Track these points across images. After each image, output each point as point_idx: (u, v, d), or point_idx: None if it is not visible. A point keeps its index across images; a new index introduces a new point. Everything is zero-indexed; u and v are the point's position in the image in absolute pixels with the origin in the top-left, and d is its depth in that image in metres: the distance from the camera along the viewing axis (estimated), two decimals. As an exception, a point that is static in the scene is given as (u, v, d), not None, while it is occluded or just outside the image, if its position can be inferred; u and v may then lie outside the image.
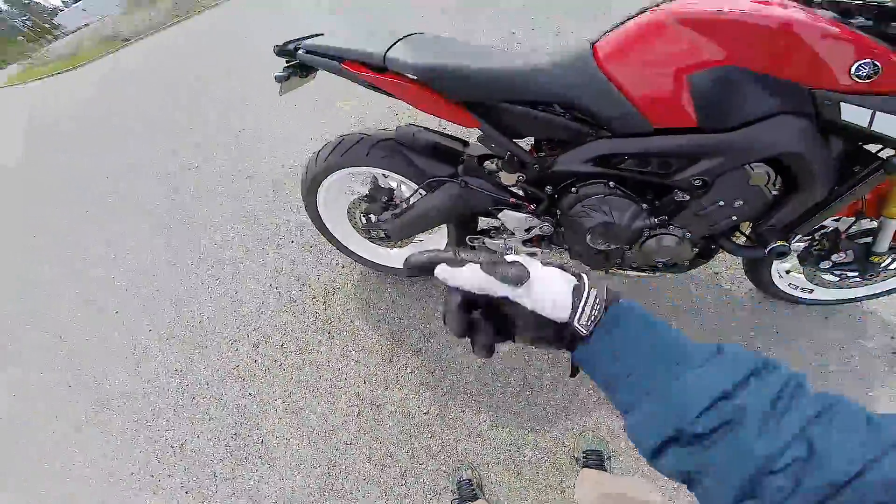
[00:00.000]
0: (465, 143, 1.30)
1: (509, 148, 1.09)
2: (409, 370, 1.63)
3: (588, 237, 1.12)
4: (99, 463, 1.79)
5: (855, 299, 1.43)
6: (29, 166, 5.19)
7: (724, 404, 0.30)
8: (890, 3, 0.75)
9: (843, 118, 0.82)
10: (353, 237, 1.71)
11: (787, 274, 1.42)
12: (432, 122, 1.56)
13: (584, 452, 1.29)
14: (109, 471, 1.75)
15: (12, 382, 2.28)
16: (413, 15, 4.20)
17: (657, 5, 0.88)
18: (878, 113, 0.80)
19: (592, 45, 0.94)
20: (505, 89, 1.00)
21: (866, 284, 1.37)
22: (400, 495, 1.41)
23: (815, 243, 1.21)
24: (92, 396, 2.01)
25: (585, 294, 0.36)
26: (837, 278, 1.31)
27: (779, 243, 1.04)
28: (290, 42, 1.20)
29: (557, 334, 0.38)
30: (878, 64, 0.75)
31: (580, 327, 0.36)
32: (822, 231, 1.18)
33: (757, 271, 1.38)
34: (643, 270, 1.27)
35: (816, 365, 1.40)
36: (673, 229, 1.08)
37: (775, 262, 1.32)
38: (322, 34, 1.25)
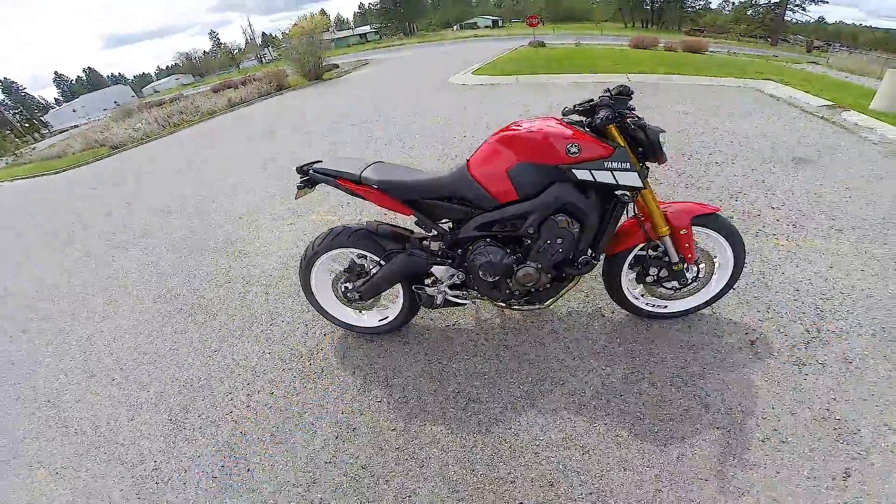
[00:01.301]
0: (411, 231, 2.00)
1: (431, 225, 1.81)
2: (378, 399, 2.00)
3: (480, 273, 1.77)
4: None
5: (700, 307, 2.01)
6: None
7: None
8: (589, 104, 1.57)
9: (578, 177, 1.56)
10: (334, 305, 2.25)
11: (641, 297, 2.05)
12: (388, 218, 2.23)
13: None
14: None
15: None
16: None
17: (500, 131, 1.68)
18: (593, 171, 1.54)
19: (468, 161, 1.70)
20: (424, 191, 1.74)
21: (696, 293, 2.00)
22: (373, 501, 1.63)
23: (635, 268, 1.89)
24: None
25: None
26: (670, 290, 1.94)
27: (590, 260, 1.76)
28: (304, 165, 1.90)
29: None
30: (578, 145, 1.52)
31: None
32: (635, 257, 1.85)
33: (623, 300, 2.01)
34: (532, 303, 1.89)
35: (693, 362, 1.86)
36: (529, 263, 1.73)
37: (629, 290, 1.97)
38: (321, 160, 1.96)
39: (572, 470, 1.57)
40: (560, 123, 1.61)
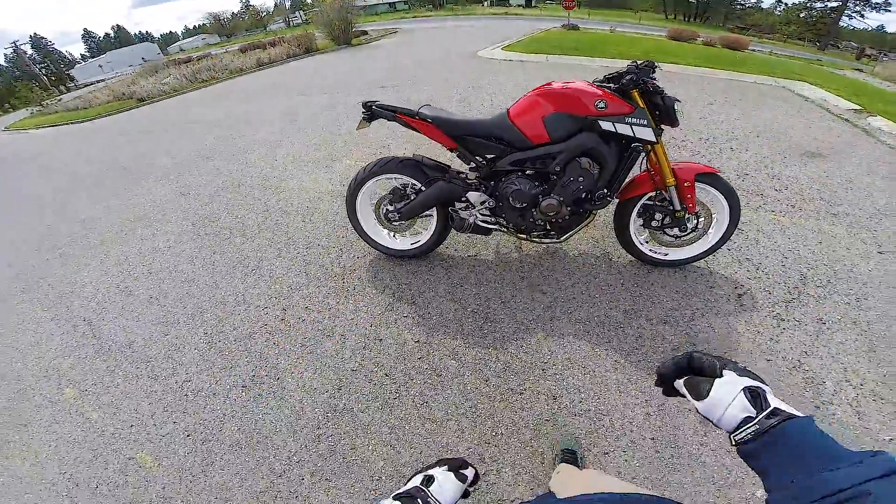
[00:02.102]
0: (449, 167, 2.30)
1: (471, 158, 2.11)
2: (404, 315, 2.32)
3: (510, 199, 2.07)
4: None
5: (697, 257, 2.29)
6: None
7: (857, 489, 0.36)
8: (621, 72, 1.85)
9: (603, 128, 1.87)
10: (373, 227, 2.57)
11: (646, 243, 2.34)
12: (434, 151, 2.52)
13: (561, 450, 1.56)
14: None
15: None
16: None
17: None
18: (616, 123, 1.84)
19: (507, 110, 2.01)
20: (470, 129, 2.05)
21: (695, 242, 2.27)
22: (394, 405, 1.81)
23: (643, 216, 2.18)
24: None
25: (757, 417, 0.47)
26: (672, 237, 2.22)
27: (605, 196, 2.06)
28: (368, 102, 2.20)
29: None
30: (605, 102, 1.81)
31: (732, 439, 0.49)
32: (643, 204, 2.14)
33: (629, 244, 2.30)
34: (550, 237, 2.20)
35: (686, 307, 2.12)
36: (553, 195, 2.03)
37: (636, 235, 2.26)
38: (378, 100, 2.24)
39: (574, 388, 1.82)
40: (591, 85, 1.91)
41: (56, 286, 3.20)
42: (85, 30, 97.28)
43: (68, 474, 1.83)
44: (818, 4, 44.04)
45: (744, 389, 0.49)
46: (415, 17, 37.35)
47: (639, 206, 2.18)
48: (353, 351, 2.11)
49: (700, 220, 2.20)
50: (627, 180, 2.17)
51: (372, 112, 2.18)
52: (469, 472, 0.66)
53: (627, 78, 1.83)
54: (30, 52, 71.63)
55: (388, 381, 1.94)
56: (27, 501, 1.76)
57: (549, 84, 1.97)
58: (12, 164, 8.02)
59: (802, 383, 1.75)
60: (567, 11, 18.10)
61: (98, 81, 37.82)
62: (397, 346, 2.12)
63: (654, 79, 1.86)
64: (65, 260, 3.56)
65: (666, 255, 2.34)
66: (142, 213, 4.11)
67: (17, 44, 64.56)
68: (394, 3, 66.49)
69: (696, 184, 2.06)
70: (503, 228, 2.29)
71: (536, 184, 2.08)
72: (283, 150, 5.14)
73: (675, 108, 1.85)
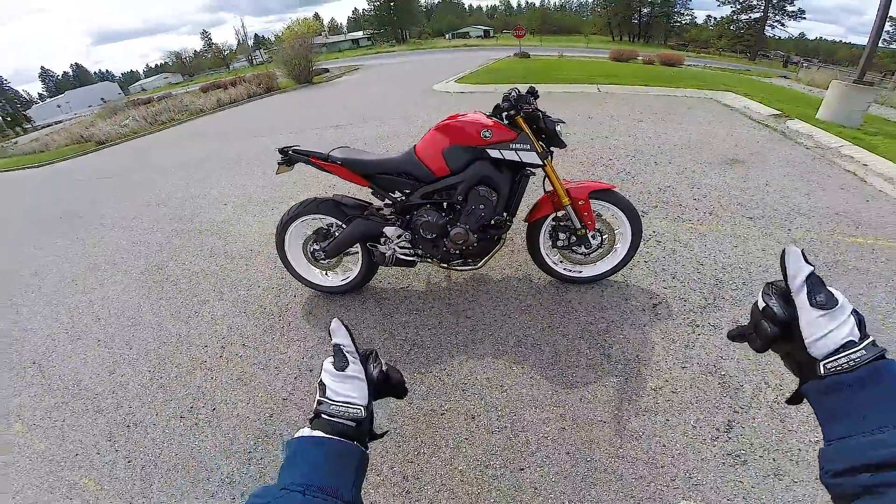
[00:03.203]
0: (369, 203, 2.38)
1: (385, 195, 2.21)
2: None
3: (421, 230, 2.16)
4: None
5: (609, 272, 2.38)
6: None
7: None
8: (504, 101, 1.98)
9: (491, 156, 2.00)
10: (304, 266, 2.60)
11: (559, 262, 2.45)
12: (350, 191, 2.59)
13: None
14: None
15: None
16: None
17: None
18: (501, 150, 1.97)
19: (414, 147, 2.13)
20: (380, 168, 2.15)
21: (605, 257, 2.38)
22: None
23: (551, 235, 2.29)
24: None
25: (856, 345, 0.39)
26: (581, 255, 2.33)
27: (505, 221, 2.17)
28: (285, 147, 2.28)
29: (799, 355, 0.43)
30: (490, 131, 1.94)
31: (822, 367, 0.40)
32: (550, 225, 2.27)
33: (544, 264, 2.41)
34: (468, 264, 2.29)
35: (601, 320, 2.19)
36: (459, 224, 2.12)
37: (548, 255, 2.37)
38: (298, 145, 2.33)
39: (492, 406, 1.86)
40: (483, 115, 2.05)
41: (9, 334, 3.14)
42: (42, 68, 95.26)
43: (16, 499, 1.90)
44: (743, 17, 48.06)
45: (853, 311, 0.42)
46: (378, 52, 38.51)
47: (545, 227, 2.30)
48: (284, 381, 2.17)
49: (604, 236, 2.32)
50: (534, 203, 2.31)
51: (289, 156, 2.27)
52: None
53: (504, 106, 1.96)
54: None
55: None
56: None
57: (447, 118, 2.09)
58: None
59: (720, 389, 1.77)
60: (518, 40, 19.16)
61: (56, 123, 36.88)
62: None
63: (532, 104, 1.99)
64: (17, 309, 3.44)
65: (580, 272, 2.44)
66: (94, 263, 4.01)
67: None
68: (357, 40, 68.36)
69: (595, 201, 2.19)
70: (423, 259, 2.36)
71: (444, 214, 2.19)
72: (234, 193, 5.13)
73: (559, 130, 1.99)
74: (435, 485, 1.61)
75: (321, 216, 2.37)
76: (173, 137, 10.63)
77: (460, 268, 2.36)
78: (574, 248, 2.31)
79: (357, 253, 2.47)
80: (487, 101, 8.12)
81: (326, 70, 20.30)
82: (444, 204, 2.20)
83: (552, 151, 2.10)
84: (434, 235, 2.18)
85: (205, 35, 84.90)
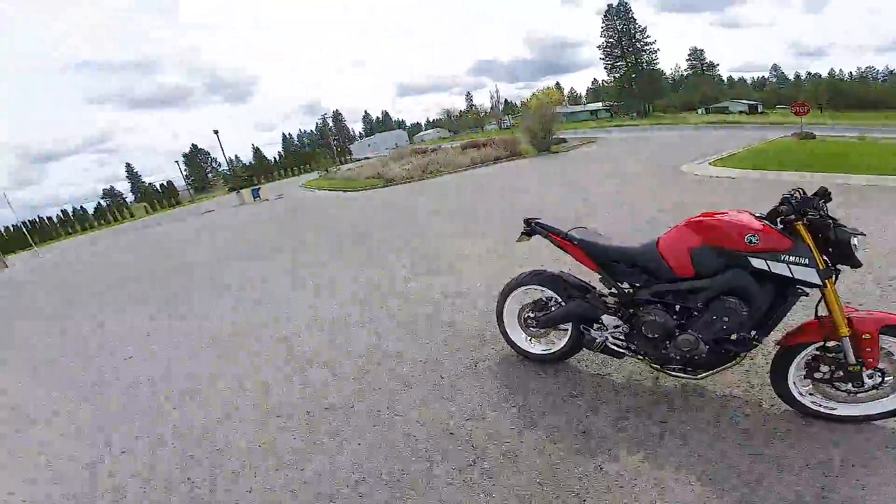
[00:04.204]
0: (593, 287, 2.46)
1: (613, 284, 2.23)
2: (509, 414, 2.37)
3: (643, 328, 2.05)
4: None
5: (880, 416, 1.77)
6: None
7: None
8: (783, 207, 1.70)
9: (754, 265, 1.73)
10: (515, 330, 2.83)
11: (809, 395, 1.92)
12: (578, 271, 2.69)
13: None
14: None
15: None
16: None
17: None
18: (769, 262, 1.68)
19: (657, 239, 2.08)
20: (615, 255, 2.19)
21: (876, 399, 1.78)
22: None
23: (809, 364, 1.84)
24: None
25: None
26: (843, 392, 1.80)
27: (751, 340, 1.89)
28: (530, 219, 2.60)
29: None
30: (758, 236, 1.68)
31: None
32: (811, 354, 1.82)
33: (786, 394, 1.93)
34: (687, 372, 2.05)
35: (853, 480, 1.61)
36: (690, 331, 1.92)
37: (795, 382, 1.90)
38: (541, 218, 2.62)
39: None
40: (750, 215, 1.84)
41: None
42: (365, 111, 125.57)
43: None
44: None
45: None
46: (617, 126, 38.34)
47: (803, 354, 1.83)
48: (481, 451, 2.16)
49: (887, 377, 1.72)
50: (797, 325, 1.90)
51: (532, 228, 2.56)
52: None
53: (782, 209, 1.66)
54: (330, 124, 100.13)
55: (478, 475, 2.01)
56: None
57: (703, 214, 1.95)
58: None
59: None
60: (799, 118, 15.59)
61: (366, 158, 51.90)
62: (489, 438, 2.18)
63: (821, 209, 1.65)
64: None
65: (834, 409, 1.85)
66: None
67: (325, 116, 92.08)
68: (595, 111, 69.93)
69: (887, 337, 1.65)
70: (635, 356, 2.23)
71: (675, 317, 2.01)
72: (470, 250, 5.88)
73: (854, 243, 1.58)
74: None
75: (543, 288, 2.56)
76: (436, 185, 13.47)
77: (676, 374, 2.11)
78: (836, 384, 1.78)
79: (567, 330, 2.55)
80: (755, 190, 7.05)
81: (564, 140, 21.61)
82: (677, 306, 2.03)
83: (839, 270, 1.70)
84: (657, 336, 2.04)
85: (468, 97, 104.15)
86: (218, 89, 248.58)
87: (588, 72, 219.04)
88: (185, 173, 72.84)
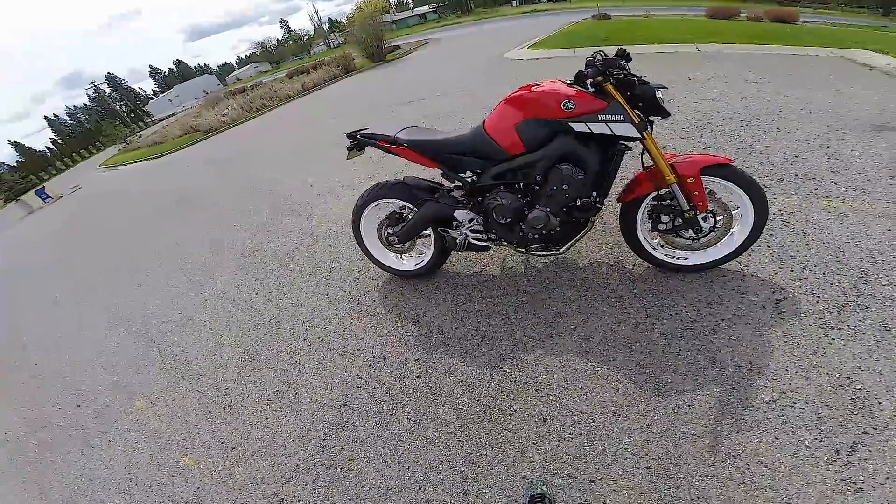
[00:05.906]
0: (440, 185, 2.28)
1: (454, 177, 2.08)
2: (408, 334, 2.31)
3: (494, 215, 2.00)
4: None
5: (722, 260, 2.04)
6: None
7: None
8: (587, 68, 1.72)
9: (575, 129, 1.75)
10: (379, 250, 2.61)
11: (661, 248, 2.14)
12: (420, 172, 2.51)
13: (529, 496, 1.35)
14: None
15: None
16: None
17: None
18: (588, 123, 1.71)
19: (483, 122, 1.95)
20: (447, 148, 2.02)
21: (718, 243, 2.03)
22: (390, 422, 1.88)
23: (651, 216, 2.00)
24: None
25: None
26: (688, 240, 2.01)
27: (594, 203, 1.93)
28: (354, 132, 2.25)
29: None
30: (573, 101, 1.70)
31: None
32: (649, 205, 1.98)
33: (641, 250, 2.11)
34: (548, 249, 2.08)
35: (708, 317, 1.88)
36: (539, 207, 1.93)
37: (646, 239, 2.08)
38: (367, 128, 2.29)
39: (567, 409, 1.69)
40: (563, 83, 1.79)
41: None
42: (151, 66, 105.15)
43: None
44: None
45: None
46: (444, 25, 37.88)
47: (643, 207, 1.99)
48: (359, 369, 2.21)
49: (718, 218, 1.95)
50: (630, 180, 2.01)
51: (358, 141, 2.24)
52: None
53: (588, 72, 1.70)
54: (108, 90, 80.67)
55: (387, 397, 2.01)
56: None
57: (519, 90, 1.86)
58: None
59: (850, 404, 1.47)
60: (597, 1, 17.33)
61: (170, 115, 42.26)
62: (398, 364, 2.17)
63: (624, 68, 1.69)
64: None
65: (685, 259, 2.10)
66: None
67: (97, 84, 73.21)
68: (423, 14, 67.67)
69: (707, 178, 1.83)
70: (498, 244, 2.20)
71: (519, 196, 1.99)
72: (317, 175, 5.41)
73: (659, 96, 1.68)
74: (494, 489, 1.52)
75: (393, 199, 2.32)
76: (265, 123, 11.60)
77: (540, 253, 2.15)
78: (680, 232, 1.98)
79: (430, 236, 2.40)
80: (568, 66, 7.55)
81: (398, 47, 20.40)
82: (520, 185, 2.00)
83: (652, 121, 1.79)
84: (509, 220, 2.01)
85: (283, 24, 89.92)
86: None
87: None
88: None
